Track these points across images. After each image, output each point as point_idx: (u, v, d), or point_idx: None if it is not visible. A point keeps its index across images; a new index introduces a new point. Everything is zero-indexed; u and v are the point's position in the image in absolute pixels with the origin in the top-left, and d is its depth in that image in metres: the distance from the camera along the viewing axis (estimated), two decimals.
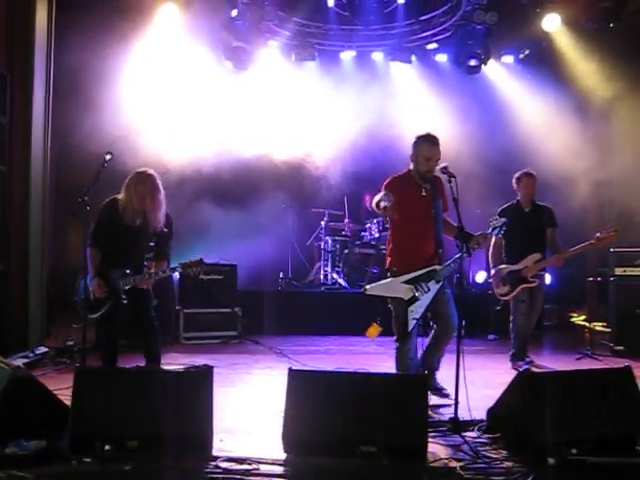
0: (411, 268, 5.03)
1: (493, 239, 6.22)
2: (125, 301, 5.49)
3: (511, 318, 6.80)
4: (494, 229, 5.18)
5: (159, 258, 5.71)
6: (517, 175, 6.90)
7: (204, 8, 9.36)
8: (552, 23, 9.70)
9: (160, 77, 9.81)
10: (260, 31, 10.31)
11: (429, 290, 4.98)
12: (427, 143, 5.08)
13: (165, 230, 5.65)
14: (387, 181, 5.21)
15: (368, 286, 5.13)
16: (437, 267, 5.05)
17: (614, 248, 7.99)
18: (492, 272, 6.90)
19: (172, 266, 5.66)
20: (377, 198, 5.03)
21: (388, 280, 5.15)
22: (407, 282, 4.99)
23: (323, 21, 10.66)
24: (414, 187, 5.15)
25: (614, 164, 9.90)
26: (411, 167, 5.22)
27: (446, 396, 5.10)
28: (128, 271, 5.51)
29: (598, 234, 6.50)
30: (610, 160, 10.02)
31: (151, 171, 5.60)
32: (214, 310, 8.54)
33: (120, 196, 5.56)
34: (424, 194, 5.14)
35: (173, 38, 9.65)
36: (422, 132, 5.18)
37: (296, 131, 10.72)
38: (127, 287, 5.49)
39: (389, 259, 5.29)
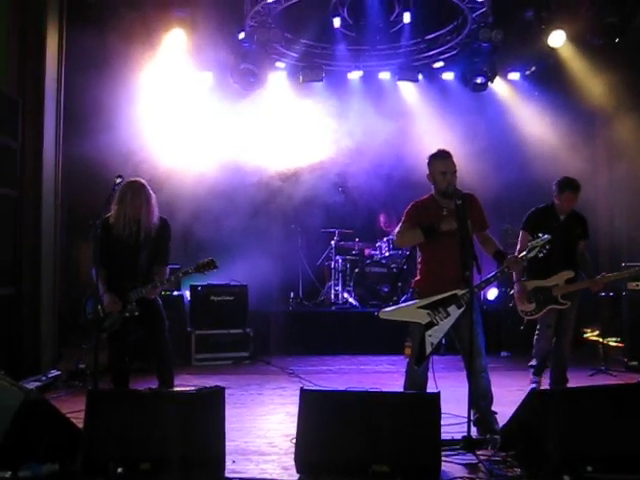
0: (433, 290, 4.88)
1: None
2: (137, 313, 5.45)
3: (536, 339, 6.19)
4: (531, 250, 4.89)
5: (158, 263, 5.65)
6: (559, 181, 6.13)
7: (211, 31, 9.45)
8: (557, 39, 9.73)
9: (168, 101, 9.90)
10: (267, 53, 10.39)
11: (449, 315, 4.80)
12: (439, 158, 5.02)
13: (161, 234, 5.62)
14: (407, 209, 5.11)
15: (383, 310, 5.01)
16: (458, 292, 4.78)
17: (626, 262, 7.95)
18: (515, 286, 6.15)
19: (185, 269, 5.65)
20: (398, 230, 5.07)
21: (403, 305, 5.05)
22: (423, 307, 4.85)
23: (330, 42, 10.72)
24: (434, 208, 5.03)
25: (623, 180, 9.90)
26: (432, 189, 5.12)
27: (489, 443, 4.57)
28: (136, 282, 5.48)
29: None
30: (618, 176, 10.02)
31: (142, 180, 5.61)
32: (225, 331, 8.54)
33: (111, 211, 5.55)
34: (445, 213, 4.97)
35: (181, 62, 9.75)
36: (433, 151, 5.11)
37: (306, 151, 10.77)
38: (138, 297, 5.46)
39: (416, 278, 5.16)
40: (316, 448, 3.88)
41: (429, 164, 5.06)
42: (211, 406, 3.98)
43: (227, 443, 4.02)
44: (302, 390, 4.04)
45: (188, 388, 4.42)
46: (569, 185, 6.05)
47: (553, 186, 6.16)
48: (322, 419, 3.93)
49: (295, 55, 10.76)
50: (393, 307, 5.12)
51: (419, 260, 5.14)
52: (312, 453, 3.88)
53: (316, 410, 3.95)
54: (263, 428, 5.25)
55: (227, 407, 4.07)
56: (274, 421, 5.49)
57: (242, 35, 9.89)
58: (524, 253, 4.94)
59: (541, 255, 4.94)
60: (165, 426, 3.90)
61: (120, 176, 5.36)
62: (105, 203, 5.32)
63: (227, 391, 4.15)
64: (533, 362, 6.30)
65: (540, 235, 4.98)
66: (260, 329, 8.83)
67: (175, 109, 9.99)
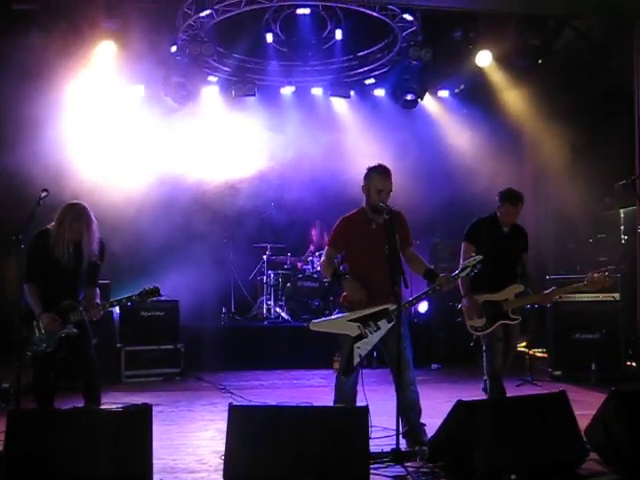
0: (360, 305, 4.89)
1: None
2: (75, 332, 5.33)
3: (486, 359, 5.82)
4: (464, 270, 4.94)
5: (90, 284, 5.54)
6: (502, 192, 5.94)
7: (142, 44, 9.34)
8: (484, 59, 10.02)
9: (97, 113, 9.72)
10: (199, 67, 10.37)
11: (379, 329, 4.83)
12: (379, 175, 5.00)
13: (98, 255, 5.53)
14: (335, 225, 5.14)
15: (314, 322, 5.02)
16: (390, 306, 4.78)
17: (550, 275, 8.20)
18: (464, 301, 5.84)
19: (128, 295, 5.53)
20: (322, 260, 5.12)
21: (334, 317, 5.06)
22: (354, 320, 4.86)
23: (262, 57, 10.78)
24: (363, 222, 5.06)
25: (547, 194, 10.24)
26: (364, 201, 5.13)
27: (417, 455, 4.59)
28: (75, 303, 5.36)
29: (595, 274, 5.73)
30: (543, 190, 10.36)
31: (83, 203, 5.49)
32: (156, 347, 8.41)
33: (51, 228, 5.42)
34: (374, 227, 5.01)
35: (111, 74, 9.58)
36: (374, 164, 5.09)
37: (237, 166, 10.74)
38: (78, 319, 5.33)
39: (344, 293, 5.14)
40: (245, 464, 3.86)
41: (367, 177, 5.05)
42: (138, 424, 3.92)
43: (155, 461, 3.97)
44: (230, 406, 4.02)
45: (114, 406, 4.32)
46: (509, 197, 5.87)
47: (496, 197, 5.97)
48: (251, 434, 3.91)
49: (228, 69, 10.81)
50: (324, 319, 5.18)
51: (346, 275, 5.16)
52: (241, 469, 3.85)
53: (245, 426, 3.94)
54: (192, 445, 5.18)
55: (156, 424, 4.02)
56: (204, 438, 5.42)
57: (174, 48, 9.83)
58: (457, 272, 4.98)
59: (472, 274, 4.98)
60: (90, 446, 3.81)
61: (46, 190, 5.24)
62: (29, 218, 5.18)
63: (157, 408, 4.11)
64: (484, 383, 5.97)
65: (472, 255, 5.04)
66: (192, 344, 8.71)
67: (104, 122, 9.81)
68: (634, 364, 8.27)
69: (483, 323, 5.76)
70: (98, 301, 5.45)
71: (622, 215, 9.67)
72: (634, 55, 8.77)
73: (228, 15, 9.27)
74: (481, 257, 4.97)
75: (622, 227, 9.67)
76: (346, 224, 5.12)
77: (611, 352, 7.91)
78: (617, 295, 7.95)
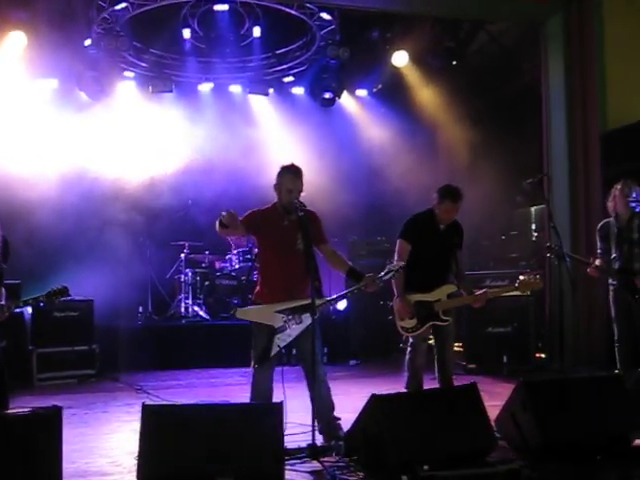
0: (272, 301, 4.92)
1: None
2: None
3: (409, 356, 5.76)
4: (388, 273, 4.97)
5: None
6: (440, 189, 5.73)
7: (56, 36, 9.05)
8: (401, 59, 10.21)
9: (5, 108, 9.36)
10: (115, 61, 10.13)
11: (301, 322, 4.86)
12: (290, 175, 5.01)
13: (2, 253, 5.32)
14: (247, 213, 5.12)
15: (240, 309, 5.05)
16: (316, 301, 4.71)
17: (465, 271, 8.40)
18: (397, 301, 5.67)
19: (35, 296, 5.34)
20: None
21: (261, 306, 5.03)
22: (280, 311, 4.88)
23: (180, 53, 10.65)
24: (276, 217, 5.05)
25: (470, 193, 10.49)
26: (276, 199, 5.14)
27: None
28: None
29: (522, 277, 5.76)
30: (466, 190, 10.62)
31: None
32: (70, 348, 8.16)
33: None
34: (286, 223, 5.01)
35: (21, 67, 9.24)
36: (287, 163, 5.10)
37: (155, 162, 10.58)
38: None
39: (255, 293, 5.17)
40: (159, 464, 3.80)
41: (279, 175, 5.07)
42: (46, 427, 3.79)
43: (66, 465, 3.86)
44: (144, 405, 3.95)
45: (22, 410, 4.18)
46: (449, 195, 5.66)
47: (434, 194, 5.74)
48: (165, 434, 3.86)
49: (145, 65, 10.60)
50: (250, 307, 5.12)
51: (259, 271, 5.19)
52: (155, 469, 3.79)
53: (159, 425, 3.88)
54: (107, 447, 5.07)
55: (69, 427, 3.93)
56: (119, 439, 5.32)
57: (88, 42, 9.57)
58: (382, 274, 5.00)
59: (394, 279, 5.05)
60: None
61: None
62: None
63: (70, 411, 4.02)
64: (406, 382, 5.87)
65: (395, 260, 5.16)
66: (107, 345, 8.52)
67: (13, 116, 9.46)
68: (543, 356, 8.62)
69: (414, 324, 5.63)
70: (3, 302, 5.25)
71: (533, 212, 10.02)
72: (542, 58, 9.13)
73: (144, 9, 9.11)
74: (403, 264, 5.06)
75: (533, 224, 10.02)
76: (260, 214, 5.12)
77: (522, 345, 8.23)
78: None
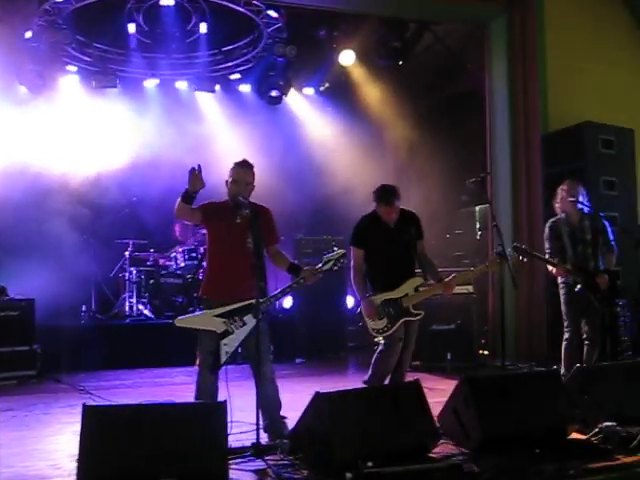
0: (222, 299, 4.89)
1: (352, 262, 5.56)
2: None
3: (381, 355, 5.58)
4: (326, 263, 4.91)
5: None
6: (375, 191, 5.62)
7: None
8: (347, 58, 10.29)
9: None
10: (57, 55, 9.91)
11: (245, 324, 4.82)
12: (237, 167, 5.04)
13: None
14: (204, 202, 5.08)
15: (179, 318, 4.94)
16: (255, 301, 4.68)
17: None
18: (362, 304, 5.57)
19: None
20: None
21: (200, 313, 5.03)
22: (219, 316, 4.83)
23: (125, 48, 10.47)
24: (228, 213, 5.00)
25: (410, 187, 10.61)
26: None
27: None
28: None
29: (492, 255, 5.76)
30: (406, 182, 10.73)
31: None
32: (9, 349, 7.94)
33: None
34: (238, 221, 4.96)
35: None
36: (239, 159, 5.11)
37: (99, 159, 10.40)
38: None
39: (202, 288, 5.15)
40: (100, 466, 3.73)
41: (230, 170, 5.08)
42: None
43: (3, 470, 3.80)
44: (84, 406, 3.88)
45: None
46: (383, 198, 5.56)
47: (372, 194, 5.64)
48: (107, 435, 3.79)
49: (88, 59, 10.40)
50: (189, 315, 5.12)
51: (205, 269, 5.15)
52: (96, 471, 3.72)
53: (100, 426, 3.81)
54: (47, 450, 4.95)
55: (8, 430, 3.85)
56: (60, 441, 5.20)
57: (29, 34, 9.33)
58: (319, 265, 4.97)
59: (336, 268, 4.95)
60: None
61: None
62: None
63: (9, 413, 3.92)
64: (368, 378, 5.71)
65: (335, 249, 5.08)
66: (49, 345, 8.31)
67: None
68: (486, 352, 8.79)
69: (384, 324, 5.48)
70: None
71: (477, 211, 10.20)
72: (486, 60, 9.30)
73: (88, 2, 8.94)
74: (343, 251, 5.01)
75: (477, 223, 10.19)
76: (213, 205, 5.09)
77: (465, 342, 8.33)
78: (471, 287, 8.37)
